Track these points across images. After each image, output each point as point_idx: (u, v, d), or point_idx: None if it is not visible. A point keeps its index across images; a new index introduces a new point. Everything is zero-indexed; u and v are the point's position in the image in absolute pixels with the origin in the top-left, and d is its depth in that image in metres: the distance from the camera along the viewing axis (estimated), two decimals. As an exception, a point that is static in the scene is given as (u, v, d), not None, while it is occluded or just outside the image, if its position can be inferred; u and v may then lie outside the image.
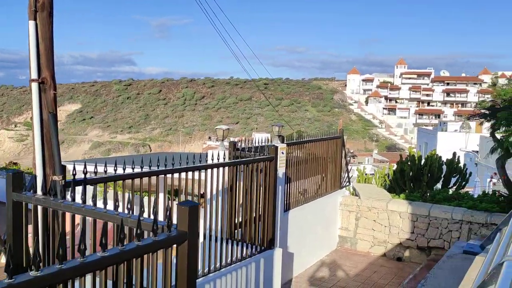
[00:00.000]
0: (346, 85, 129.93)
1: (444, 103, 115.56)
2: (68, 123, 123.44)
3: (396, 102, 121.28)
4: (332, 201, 8.99)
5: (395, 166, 14.47)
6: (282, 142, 7.04)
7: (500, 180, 10.00)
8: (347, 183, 9.78)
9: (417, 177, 13.13)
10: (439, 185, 13.16)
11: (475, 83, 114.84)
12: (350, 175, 9.85)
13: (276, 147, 5.55)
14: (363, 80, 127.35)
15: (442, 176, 13.15)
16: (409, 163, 13.34)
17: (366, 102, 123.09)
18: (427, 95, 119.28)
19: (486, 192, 10.59)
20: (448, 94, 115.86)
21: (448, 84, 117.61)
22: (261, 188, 5.51)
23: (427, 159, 13.10)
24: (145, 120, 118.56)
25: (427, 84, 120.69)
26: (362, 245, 9.00)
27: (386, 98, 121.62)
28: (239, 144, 5.89)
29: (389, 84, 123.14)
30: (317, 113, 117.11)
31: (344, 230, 9.18)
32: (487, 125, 10.04)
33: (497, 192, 9.09)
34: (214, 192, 5.38)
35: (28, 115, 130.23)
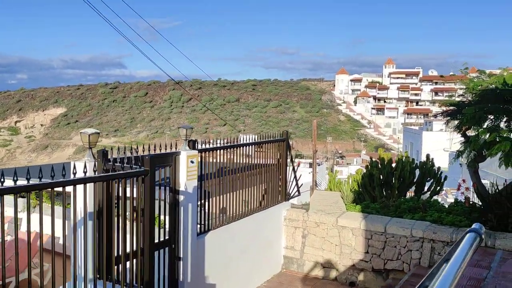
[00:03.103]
0: (334, 86, 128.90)
1: (433, 102, 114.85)
2: (53, 127, 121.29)
3: (384, 102, 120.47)
4: (274, 216, 7.62)
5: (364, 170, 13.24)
6: (193, 148, 5.67)
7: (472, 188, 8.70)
8: (296, 193, 8.42)
9: (387, 182, 11.88)
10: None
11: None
12: (300, 184, 8.48)
13: (152, 158, 4.15)
14: (351, 80, 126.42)
15: (415, 180, 11.92)
16: (379, 167, 12.09)
17: (355, 102, 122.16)
18: (416, 94, 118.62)
19: (458, 200, 9.27)
20: (436, 93, 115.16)
21: (436, 83, 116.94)
22: (129, 213, 4.11)
23: (398, 162, 11.85)
24: (131, 124, 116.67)
25: (416, 84, 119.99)
26: (310, 267, 7.64)
27: (374, 98, 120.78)
28: (113, 154, 4.49)
29: (377, 84, 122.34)
30: (305, 114, 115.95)
31: (289, 249, 7.81)
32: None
33: (465, 202, 7.75)
34: (80, 217, 3.99)
35: (12, 119, 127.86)
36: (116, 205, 4.05)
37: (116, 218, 4.01)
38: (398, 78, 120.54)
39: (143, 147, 5.01)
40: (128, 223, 4.16)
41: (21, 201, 9.64)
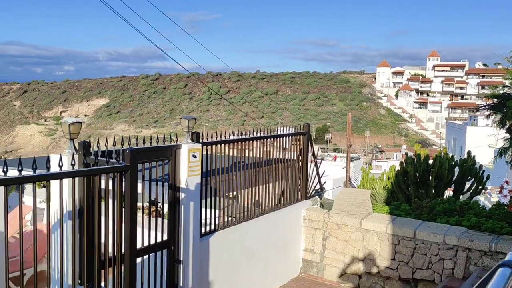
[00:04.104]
0: (375, 79, 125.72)
1: (479, 96, 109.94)
2: (96, 118, 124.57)
3: (427, 95, 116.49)
4: (292, 216, 7.03)
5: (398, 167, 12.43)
6: (197, 141, 5.16)
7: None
8: (320, 192, 7.79)
9: (423, 181, 11.05)
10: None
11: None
12: (323, 181, 7.85)
13: (133, 152, 3.66)
14: (393, 73, 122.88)
15: (453, 179, 11.03)
16: (415, 163, 11.27)
17: (396, 95, 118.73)
18: (461, 88, 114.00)
19: (501, 203, 8.35)
20: (483, 87, 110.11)
21: (483, 76, 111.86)
22: (106, 213, 3.63)
23: (435, 159, 10.98)
24: (170, 115, 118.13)
25: (461, 77, 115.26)
26: (331, 272, 7.01)
27: (417, 91, 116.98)
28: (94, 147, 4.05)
29: (420, 77, 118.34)
30: (344, 107, 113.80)
31: (308, 252, 7.21)
32: None
33: (508, 205, 6.88)
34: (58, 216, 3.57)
35: (58, 109, 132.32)
36: (87, 205, 3.58)
37: (86, 221, 3.55)
38: (442, 71, 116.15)
39: (136, 139, 4.54)
40: (110, 225, 3.69)
41: (41, 192, 9.48)
